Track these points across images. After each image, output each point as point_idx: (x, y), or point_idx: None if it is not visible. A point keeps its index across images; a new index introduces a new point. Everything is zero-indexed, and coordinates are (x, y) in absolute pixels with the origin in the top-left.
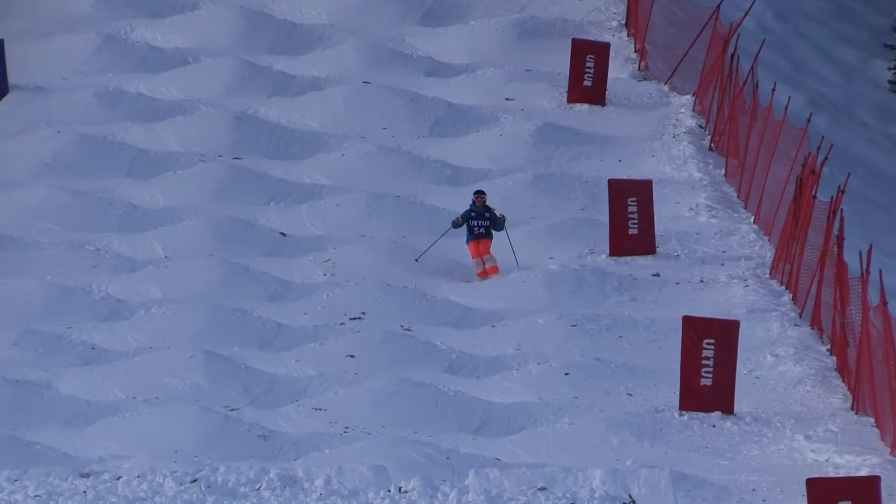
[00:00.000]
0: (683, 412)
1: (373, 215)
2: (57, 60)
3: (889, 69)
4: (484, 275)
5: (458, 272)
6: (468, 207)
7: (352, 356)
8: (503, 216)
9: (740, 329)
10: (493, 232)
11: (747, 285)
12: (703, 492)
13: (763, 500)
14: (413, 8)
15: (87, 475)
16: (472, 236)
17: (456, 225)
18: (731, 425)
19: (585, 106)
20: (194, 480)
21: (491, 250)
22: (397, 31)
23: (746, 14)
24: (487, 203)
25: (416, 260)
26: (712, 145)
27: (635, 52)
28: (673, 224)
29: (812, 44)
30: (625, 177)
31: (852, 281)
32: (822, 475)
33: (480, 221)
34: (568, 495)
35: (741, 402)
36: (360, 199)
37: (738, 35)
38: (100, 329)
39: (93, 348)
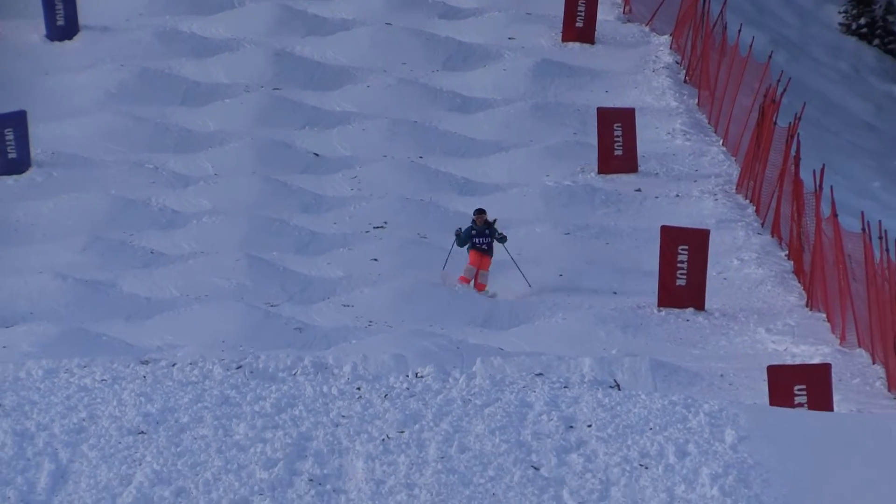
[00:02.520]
0: (661, 308)
1: (394, 138)
2: (120, 4)
3: (839, 13)
4: (465, 281)
5: (467, 188)
6: (469, 225)
7: (375, 260)
8: (504, 235)
9: (710, 237)
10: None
11: (717, 199)
12: (678, 377)
13: (730, 384)
14: None
15: (146, 362)
16: (475, 247)
17: (458, 237)
18: (702, 320)
19: (577, 44)
20: (239, 367)
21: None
22: None
23: None
24: (487, 220)
25: (444, 269)
26: (687, 78)
27: None
28: (653, 146)
29: None
30: (611, 105)
31: (807, 196)
32: (781, 363)
33: (482, 238)
34: (561, 380)
35: (711, 300)
36: (383, 125)
37: None
38: (157, 236)
39: (151, 253)
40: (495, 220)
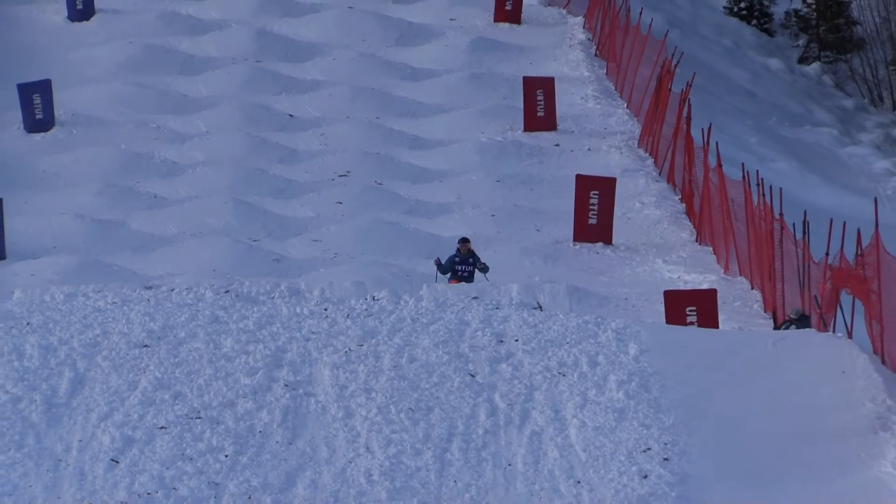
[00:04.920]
0: (576, 243)
1: (355, 102)
2: None
3: None
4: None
5: (416, 143)
6: (453, 254)
7: (340, 203)
8: (486, 266)
9: (616, 184)
10: (477, 275)
11: (622, 152)
12: (590, 300)
13: (633, 306)
14: None
15: (149, 287)
16: (456, 277)
17: (438, 266)
18: (610, 252)
19: (507, 24)
20: (227, 291)
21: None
22: None
23: None
24: (471, 248)
25: (436, 281)
26: (597, 52)
27: None
28: (569, 109)
29: None
30: (535, 75)
31: (697, 150)
32: (675, 288)
33: (464, 266)
34: (493, 302)
35: (617, 236)
36: (346, 91)
37: None
38: (159, 183)
39: (154, 197)
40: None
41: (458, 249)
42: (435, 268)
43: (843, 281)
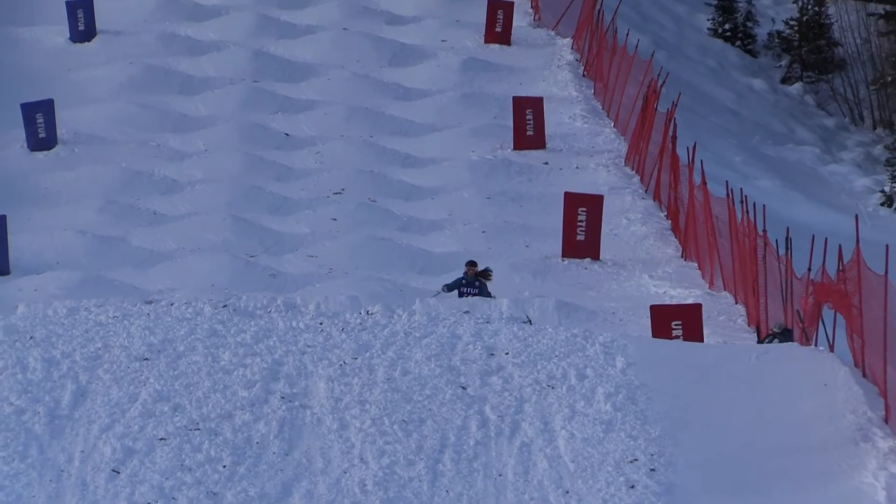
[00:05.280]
0: (565, 259)
1: (349, 121)
2: (130, 13)
3: (708, 20)
4: None
5: (408, 162)
6: (460, 276)
7: (334, 219)
8: (491, 296)
9: (604, 201)
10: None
11: (609, 170)
12: (578, 314)
13: (620, 320)
14: None
15: (149, 302)
16: (462, 298)
17: (447, 289)
18: (597, 268)
19: (497, 45)
20: (225, 305)
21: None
22: None
23: None
24: (478, 271)
25: (434, 297)
26: (585, 73)
27: (531, 8)
28: (557, 128)
29: (654, 1)
30: (524, 95)
31: (682, 168)
32: (661, 303)
33: (470, 289)
34: (484, 316)
35: (605, 252)
36: (341, 110)
37: None
38: (159, 200)
39: (154, 214)
40: (488, 271)
41: (465, 272)
42: (441, 291)
43: (824, 296)
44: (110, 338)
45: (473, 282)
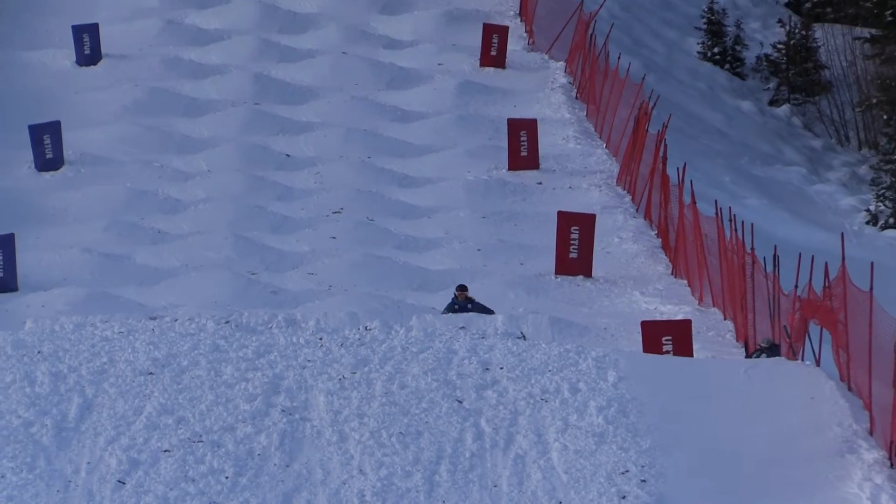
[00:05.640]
0: (558, 276)
1: (348, 142)
2: (134, 37)
3: (698, 43)
4: None
5: (405, 182)
6: (451, 300)
7: (334, 237)
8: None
9: (596, 220)
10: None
11: (601, 190)
12: (571, 330)
13: (612, 336)
14: (375, 2)
15: (154, 318)
16: None
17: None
18: (590, 285)
19: (492, 69)
20: (227, 321)
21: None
22: (364, 18)
23: (601, 6)
24: (468, 295)
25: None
26: (577, 95)
27: (525, 32)
28: (551, 148)
29: (646, 26)
30: (518, 117)
31: (672, 187)
32: (652, 319)
33: (462, 313)
34: (479, 332)
35: (597, 269)
36: (340, 132)
37: (595, 21)
38: (163, 219)
39: (158, 232)
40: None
41: (455, 296)
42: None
43: (811, 312)
44: (116, 352)
45: (465, 304)
